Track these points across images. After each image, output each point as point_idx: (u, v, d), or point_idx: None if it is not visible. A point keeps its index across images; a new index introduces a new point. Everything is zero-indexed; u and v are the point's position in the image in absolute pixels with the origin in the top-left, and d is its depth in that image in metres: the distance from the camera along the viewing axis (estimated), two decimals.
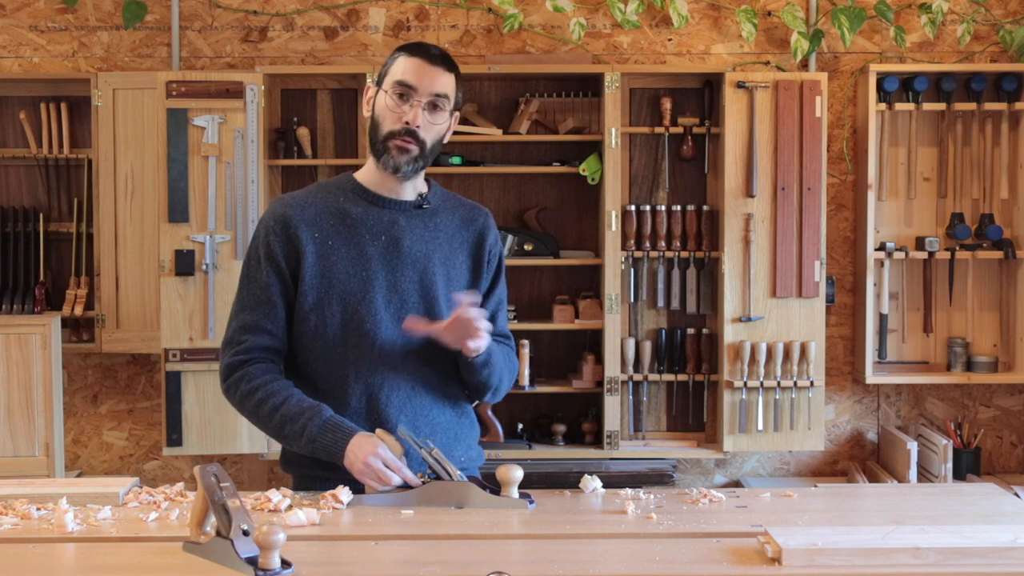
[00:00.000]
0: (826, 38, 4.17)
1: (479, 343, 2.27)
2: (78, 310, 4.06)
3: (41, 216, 4.10)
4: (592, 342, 4.16)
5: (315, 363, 2.34)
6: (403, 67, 2.30)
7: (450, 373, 2.39)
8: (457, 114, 2.40)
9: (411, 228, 2.37)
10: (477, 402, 2.52)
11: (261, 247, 2.34)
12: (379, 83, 2.35)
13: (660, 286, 4.08)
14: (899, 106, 4.09)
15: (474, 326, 2.24)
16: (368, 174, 2.40)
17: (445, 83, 2.31)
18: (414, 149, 2.30)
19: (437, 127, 2.33)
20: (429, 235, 2.38)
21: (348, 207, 2.36)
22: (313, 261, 2.31)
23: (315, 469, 2.32)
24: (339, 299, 2.31)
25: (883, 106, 4.06)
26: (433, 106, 2.30)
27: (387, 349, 2.32)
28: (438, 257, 2.37)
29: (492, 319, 2.41)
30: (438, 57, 2.32)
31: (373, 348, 2.31)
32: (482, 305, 2.41)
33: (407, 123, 2.29)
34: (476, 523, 2.04)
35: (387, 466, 2.16)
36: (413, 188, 2.39)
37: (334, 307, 2.31)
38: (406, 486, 2.18)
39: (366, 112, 2.38)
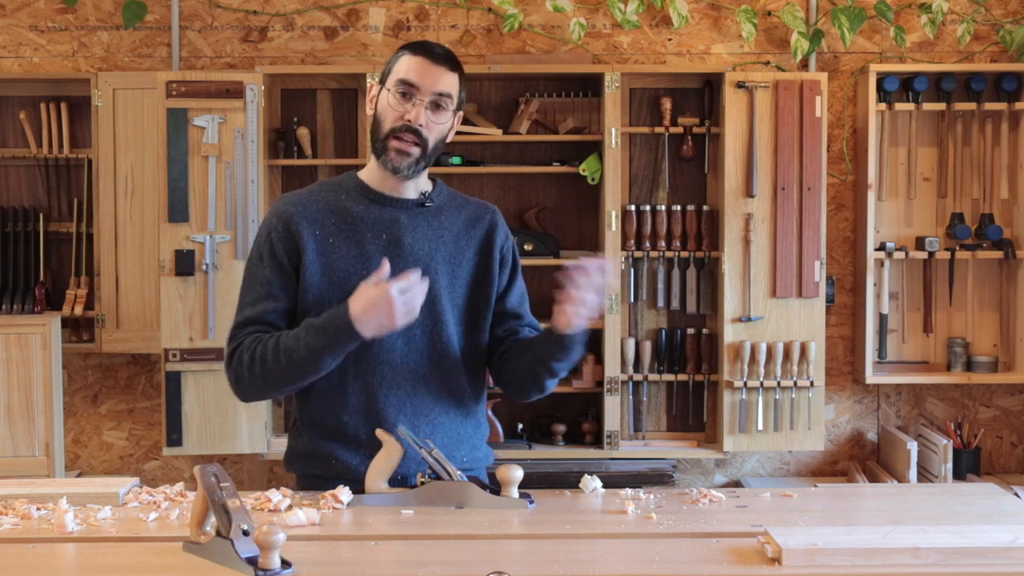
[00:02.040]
0: (826, 38, 4.17)
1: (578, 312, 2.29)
2: (78, 310, 4.06)
3: (41, 216, 4.10)
4: (592, 342, 4.14)
5: None
6: (406, 66, 2.30)
7: (455, 372, 2.38)
8: (460, 113, 2.39)
9: (413, 226, 2.36)
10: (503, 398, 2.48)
11: (263, 244, 2.34)
12: (383, 81, 2.35)
13: (660, 286, 4.08)
14: (899, 106, 4.08)
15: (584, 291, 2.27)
16: (371, 173, 2.40)
17: (448, 82, 2.31)
18: (415, 151, 2.30)
19: (440, 126, 2.33)
20: (433, 234, 2.37)
21: (350, 205, 2.36)
22: (314, 258, 2.31)
23: (317, 468, 2.33)
24: (339, 297, 2.29)
25: (883, 106, 4.06)
26: (436, 105, 2.30)
27: (387, 347, 2.31)
28: (441, 256, 2.36)
29: (519, 314, 2.46)
30: (442, 56, 2.32)
31: (372, 346, 2.29)
32: (504, 301, 2.44)
33: (408, 121, 2.28)
34: (476, 523, 2.04)
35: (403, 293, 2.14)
36: (415, 187, 2.39)
37: (334, 304, 2.29)
38: (405, 486, 2.18)
39: (369, 110, 2.38)
